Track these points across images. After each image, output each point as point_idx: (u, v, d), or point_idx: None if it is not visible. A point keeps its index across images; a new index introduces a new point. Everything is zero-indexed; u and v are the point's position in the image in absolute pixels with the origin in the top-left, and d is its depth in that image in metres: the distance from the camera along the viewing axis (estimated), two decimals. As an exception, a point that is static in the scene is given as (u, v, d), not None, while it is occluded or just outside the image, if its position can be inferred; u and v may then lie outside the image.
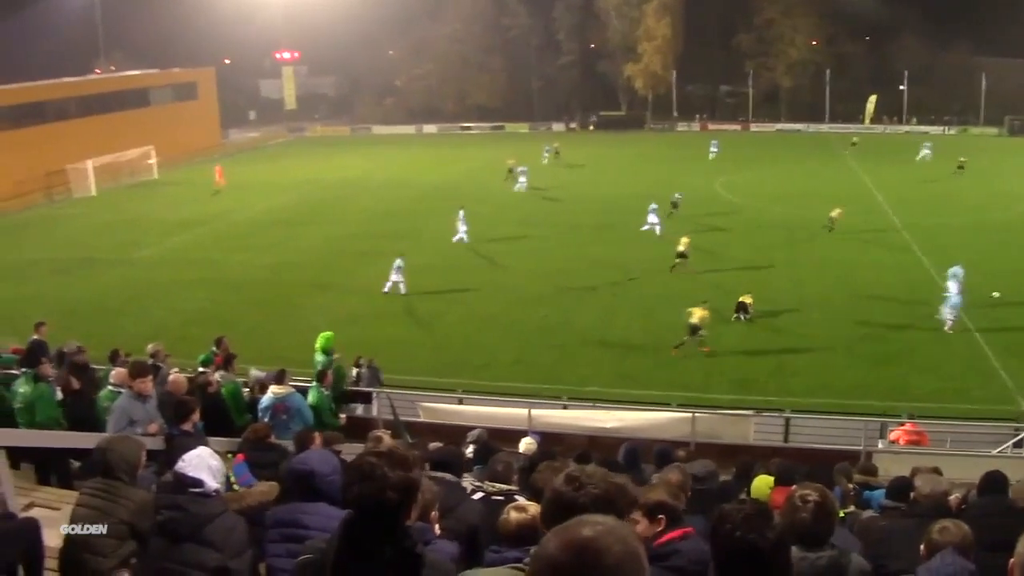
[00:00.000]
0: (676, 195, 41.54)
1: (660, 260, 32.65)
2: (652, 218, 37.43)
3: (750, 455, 12.80)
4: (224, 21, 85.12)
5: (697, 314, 24.09)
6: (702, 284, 29.60)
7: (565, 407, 18.27)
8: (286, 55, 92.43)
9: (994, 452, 15.77)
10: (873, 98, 79.67)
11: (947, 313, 25.40)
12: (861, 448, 15.12)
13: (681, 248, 31.65)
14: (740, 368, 23.62)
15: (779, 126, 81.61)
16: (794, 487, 5.20)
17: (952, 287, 25.35)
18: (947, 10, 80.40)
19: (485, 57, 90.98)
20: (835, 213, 37.27)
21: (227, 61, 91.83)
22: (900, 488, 8.70)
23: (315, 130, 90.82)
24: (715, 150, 61.18)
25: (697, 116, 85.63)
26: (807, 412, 18.44)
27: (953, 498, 7.87)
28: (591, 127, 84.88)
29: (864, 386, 21.75)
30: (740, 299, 26.81)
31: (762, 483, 8.30)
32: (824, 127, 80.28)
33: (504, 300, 29.83)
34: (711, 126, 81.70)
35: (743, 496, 8.20)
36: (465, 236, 36.93)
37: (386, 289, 30.02)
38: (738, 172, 55.67)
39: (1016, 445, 16.47)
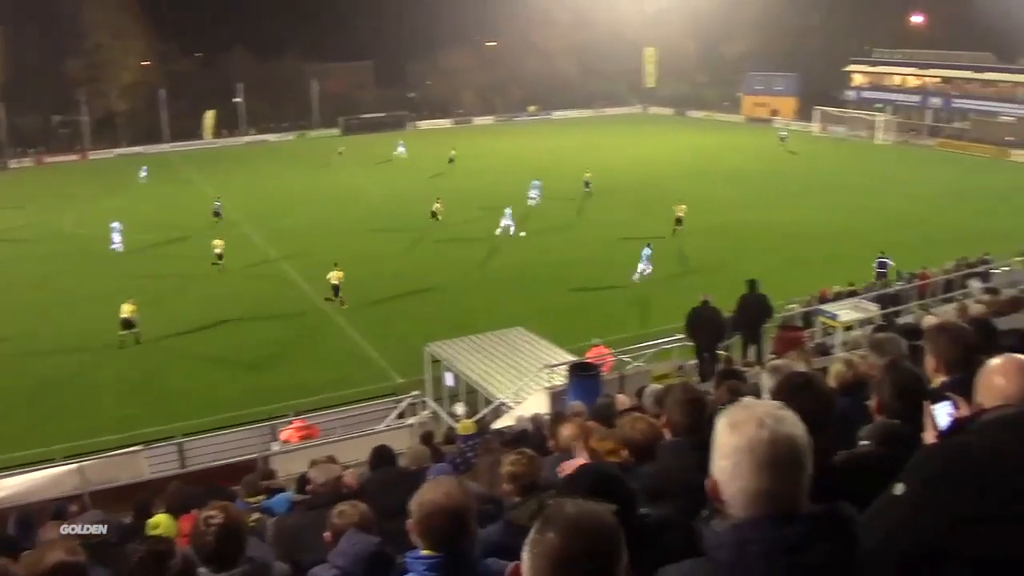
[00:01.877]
0: (216, 203, 43.74)
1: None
2: (116, 236, 38.20)
3: (148, 491, 12.19)
4: None
5: (127, 308, 26.21)
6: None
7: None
8: None
9: (381, 427, 17.26)
10: (211, 113, 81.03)
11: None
12: (257, 455, 15.38)
13: (218, 250, 34.44)
14: (123, 404, 22.41)
15: (119, 151, 77.37)
16: (197, 511, 5.03)
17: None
18: (275, 22, 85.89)
19: None
20: (436, 206, 40.62)
21: None
22: (301, 484, 9.03)
23: None
24: (143, 175, 59.31)
25: (31, 150, 77.41)
26: (199, 433, 18.17)
27: (349, 479, 8.34)
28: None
29: (250, 395, 22.09)
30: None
31: (161, 519, 7.95)
32: (165, 147, 78.89)
33: None
34: (48, 159, 74.97)
35: (145, 536, 7.75)
36: None
37: None
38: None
39: (399, 416, 18.27)
